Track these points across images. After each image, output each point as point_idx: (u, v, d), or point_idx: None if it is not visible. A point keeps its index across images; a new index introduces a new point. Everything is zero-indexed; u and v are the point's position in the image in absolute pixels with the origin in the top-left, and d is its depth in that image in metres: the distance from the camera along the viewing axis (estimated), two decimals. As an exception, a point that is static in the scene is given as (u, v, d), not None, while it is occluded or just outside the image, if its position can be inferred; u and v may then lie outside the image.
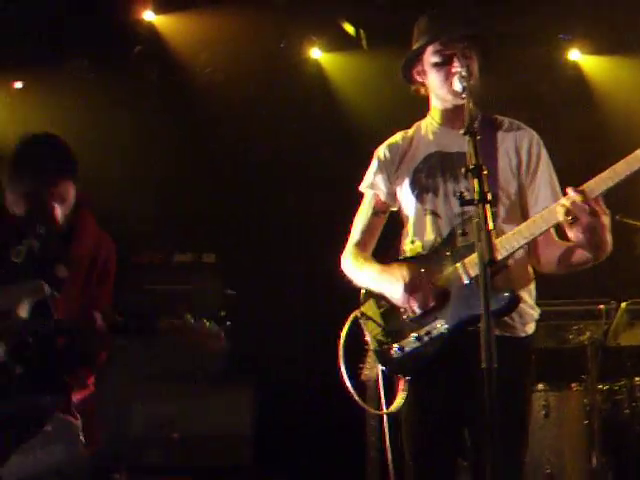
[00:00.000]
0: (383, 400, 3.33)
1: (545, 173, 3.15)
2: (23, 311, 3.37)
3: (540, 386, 4.90)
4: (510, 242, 2.91)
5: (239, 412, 5.59)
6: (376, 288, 3.15)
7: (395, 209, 3.34)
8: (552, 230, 3.02)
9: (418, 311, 3.00)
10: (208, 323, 3.47)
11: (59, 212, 3.39)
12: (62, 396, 3.52)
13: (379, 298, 3.16)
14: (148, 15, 6.30)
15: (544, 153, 3.18)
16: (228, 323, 5.65)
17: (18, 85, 6.52)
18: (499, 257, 2.79)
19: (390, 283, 3.05)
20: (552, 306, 5.08)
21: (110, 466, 5.06)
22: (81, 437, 3.55)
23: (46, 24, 5.95)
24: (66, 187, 3.39)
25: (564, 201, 2.80)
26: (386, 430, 3.66)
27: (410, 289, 2.99)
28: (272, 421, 5.77)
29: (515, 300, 2.91)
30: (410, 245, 3.19)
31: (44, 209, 3.39)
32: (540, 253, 3.12)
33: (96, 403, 3.69)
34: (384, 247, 3.39)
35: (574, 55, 6.48)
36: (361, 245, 3.31)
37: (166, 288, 4.99)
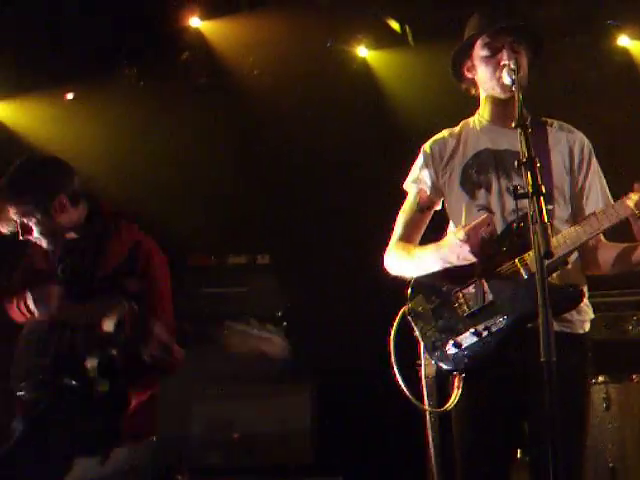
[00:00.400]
0: (432, 397, 3.31)
1: (596, 176, 3.17)
2: (108, 326, 3.53)
3: (600, 378, 4.83)
4: (571, 238, 2.91)
5: (298, 412, 5.61)
6: (435, 263, 3.07)
7: (439, 207, 3.32)
8: (601, 234, 3.02)
9: (489, 299, 2.94)
10: (271, 328, 3.51)
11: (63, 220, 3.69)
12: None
13: (429, 293, 3.12)
14: (194, 22, 6.34)
15: (594, 156, 3.20)
16: (285, 323, 5.74)
17: (70, 96, 6.63)
18: (559, 253, 2.79)
19: (450, 245, 2.97)
20: (611, 297, 5.02)
21: (172, 467, 5.13)
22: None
23: (94, 35, 6.04)
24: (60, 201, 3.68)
25: (634, 195, 2.81)
26: (428, 428, 3.63)
27: (474, 235, 2.91)
28: (331, 420, 5.79)
29: (580, 295, 2.92)
30: None
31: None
32: (594, 256, 3.12)
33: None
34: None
35: (623, 41, 6.37)
36: (405, 239, 3.26)
37: (222, 291, 5.03)
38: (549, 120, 3.25)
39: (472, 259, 2.95)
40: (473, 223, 2.93)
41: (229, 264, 6.14)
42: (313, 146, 6.43)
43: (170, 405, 5.00)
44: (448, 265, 3.04)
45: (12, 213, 3.70)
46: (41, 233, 3.74)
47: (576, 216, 3.13)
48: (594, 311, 3.21)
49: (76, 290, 3.67)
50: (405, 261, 3.20)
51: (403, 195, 3.41)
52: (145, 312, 3.57)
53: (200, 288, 5.86)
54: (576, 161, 3.16)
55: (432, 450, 4.15)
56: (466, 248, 2.91)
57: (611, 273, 3.13)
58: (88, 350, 3.53)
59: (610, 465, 4.70)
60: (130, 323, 3.53)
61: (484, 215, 2.97)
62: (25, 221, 3.70)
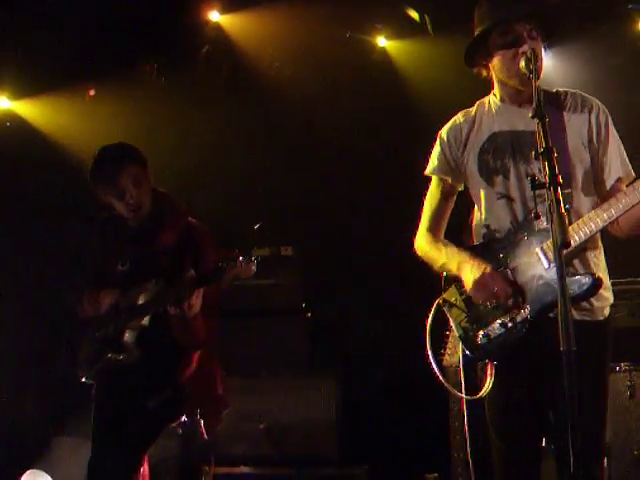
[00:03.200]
0: (464, 385, 3.34)
1: (614, 143, 3.15)
2: (142, 299, 3.94)
3: (624, 366, 4.82)
4: (587, 226, 2.91)
5: (324, 402, 5.63)
6: (458, 273, 3.17)
7: (462, 189, 3.34)
8: None
9: (488, 305, 3.05)
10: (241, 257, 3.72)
11: (132, 193, 3.94)
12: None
13: (460, 284, 3.18)
14: (214, 16, 6.38)
15: (610, 121, 3.17)
16: (309, 314, 5.77)
17: (92, 93, 6.68)
18: (576, 241, 2.81)
19: (467, 277, 3.10)
20: (635, 284, 5.00)
21: (199, 457, 5.18)
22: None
23: (114, 31, 6.08)
24: (132, 170, 3.94)
25: None
26: (465, 416, 3.67)
27: (480, 287, 3.04)
28: (356, 410, 5.82)
29: (597, 283, 2.93)
30: (484, 230, 3.19)
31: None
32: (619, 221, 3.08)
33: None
34: (455, 223, 3.42)
35: (645, 25, 6.30)
36: (433, 229, 3.34)
37: (246, 283, 5.07)
38: (560, 91, 3.22)
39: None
40: (487, 281, 3.03)
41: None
42: (335, 137, 6.45)
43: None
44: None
45: (125, 180, 3.92)
46: (141, 200, 3.98)
47: (599, 188, 3.12)
48: (618, 298, 3.21)
49: (136, 274, 3.98)
50: (433, 258, 3.29)
51: (426, 181, 3.44)
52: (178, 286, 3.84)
53: (225, 281, 5.88)
54: (594, 133, 3.13)
55: (467, 436, 4.17)
56: (474, 293, 3.07)
57: (633, 232, 3.10)
58: (125, 325, 3.94)
59: (635, 452, 4.68)
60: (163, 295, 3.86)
61: (501, 280, 3.04)
62: (132, 188, 3.93)
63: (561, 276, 2.38)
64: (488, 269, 3.04)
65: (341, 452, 5.55)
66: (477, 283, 3.04)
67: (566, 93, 3.22)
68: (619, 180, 3.12)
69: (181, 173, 6.31)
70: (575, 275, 2.93)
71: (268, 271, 5.94)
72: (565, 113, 3.15)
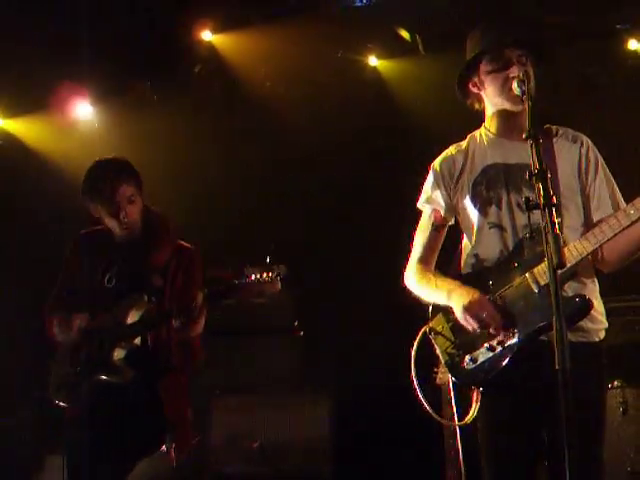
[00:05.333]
0: (455, 411, 3.36)
1: (604, 180, 3.18)
2: (131, 318, 3.86)
3: (616, 383, 4.84)
4: (577, 250, 2.94)
5: (317, 421, 5.63)
6: (445, 304, 3.19)
7: (452, 223, 3.36)
8: None
9: (478, 330, 3.05)
10: (265, 273, 3.82)
11: (126, 212, 3.91)
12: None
13: (448, 311, 3.18)
14: (206, 35, 6.41)
15: (600, 157, 3.21)
16: (302, 333, 5.77)
17: (84, 111, 6.68)
18: (569, 264, 2.82)
19: (457, 305, 3.10)
20: (626, 302, 5.03)
21: (192, 476, 5.17)
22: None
23: (107, 51, 6.11)
24: (127, 189, 3.92)
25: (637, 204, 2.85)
26: (459, 440, 3.68)
27: (470, 312, 3.04)
28: (350, 430, 5.81)
29: (587, 304, 2.93)
30: (474, 259, 3.21)
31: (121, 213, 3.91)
32: (605, 251, 3.10)
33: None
34: (442, 258, 3.41)
35: (633, 44, 6.36)
36: (424, 261, 3.34)
37: (239, 302, 5.08)
38: (553, 127, 3.26)
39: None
40: (477, 308, 3.04)
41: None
42: (327, 156, 6.46)
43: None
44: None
45: (119, 198, 3.90)
46: (134, 219, 3.96)
47: (588, 221, 3.15)
48: (609, 315, 3.23)
49: (123, 290, 3.92)
50: (423, 289, 3.29)
51: (416, 207, 3.43)
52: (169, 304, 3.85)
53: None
54: (583, 167, 3.17)
55: (450, 464, 4.21)
56: (465, 319, 3.06)
57: (616, 262, 3.12)
58: (114, 344, 3.84)
59: (628, 469, 4.70)
60: (154, 314, 3.85)
61: (492, 310, 3.05)
62: (126, 206, 3.91)
63: (556, 295, 2.39)
64: (477, 295, 3.05)
65: (335, 470, 5.54)
66: (466, 309, 3.04)
67: (557, 128, 3.26)
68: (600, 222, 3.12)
69: (171, 193, 6.31)
70: (566, 297, 2.92)
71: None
72: (556, 145, 3.18)
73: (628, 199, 3.13)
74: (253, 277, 3.77)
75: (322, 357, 6.10)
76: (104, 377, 3.82)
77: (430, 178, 3.36)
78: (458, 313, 3.09)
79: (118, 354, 3.83)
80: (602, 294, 3.20)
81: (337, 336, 6.25)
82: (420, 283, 3.29)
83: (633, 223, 2.89)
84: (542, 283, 2.95)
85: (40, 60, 5.97)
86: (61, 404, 3.96)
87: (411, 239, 3.42)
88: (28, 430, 5.98)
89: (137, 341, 3.86)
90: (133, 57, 6.27)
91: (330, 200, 6.48)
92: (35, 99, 6.45)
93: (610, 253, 3.09)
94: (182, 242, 4.13)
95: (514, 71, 3.07)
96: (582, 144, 3.21)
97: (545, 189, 2.48)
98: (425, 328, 3.29)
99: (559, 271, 2.40)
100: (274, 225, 6.44)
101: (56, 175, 6.40)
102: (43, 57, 5.93)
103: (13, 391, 6.09)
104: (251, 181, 6.60)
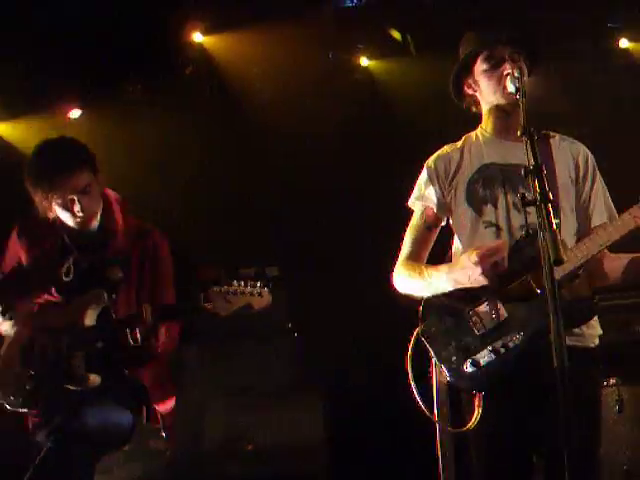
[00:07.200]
0: (445, 407, 3.32)
1: (600, 188, 3.20)
2: (89, 319, 3.50)
3: (612, 381, 4.83)
4: (580, 252, 2.93)
5: (311, 422, 5.62)
6: (446, 284, 3.09)
7: (444, 223, 3.32)
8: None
9: (504, 316, 2.96)
10: (253, 283, 3.52)
11: (81, 205, 3.47)
12: (141, 408, 3.64)
13: (442, 314, 3.12)
14: (197, 37, 6.40)
15: (596, 168, 3.23)
16: (295, 334, 5.75)
17: (74, 114, 6.66)
18: (569, 267, 2.82)
19: (463, 267, 3.00)
20: (620, 299, 5.04)
21: (187, 477, 5.16)
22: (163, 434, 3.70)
23: (97, 52, 6.08)
24: (81, 178, 3.47)
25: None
26: (439, 441, 3.63)
27: (487, 259, 2.93)
28: (343, 430, 5.80)
29: (591, 309, 2.97)
30: None
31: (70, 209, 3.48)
32: (600, 267, 3.12)
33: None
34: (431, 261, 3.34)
35: (625, 43, 6.37)
36: (413, 258, 3.26)
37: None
38: (551, 133, 3.27)
39: (484, 281, 2.97)
40: (487, 246, 2.97)
41: (238, 276, 6.16)
42: (318, 158, 6.45)
43: (184, 417, 5.03)
44: (459, 286, 3.06)
45: (71, 190, 3.46)
46: (90, 211, 3.54)
47: (582, 228, 3.15)
48: (605, 314, 3.23)
49: (81, 287, 3.57)
50: (415, 280, 3.21)
51: (407, 208, 3.39)
52: (134, 298, 3.54)
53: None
54: (581, 173, 3.19)
55: (444, 464, 4.18)
56: (478, 270, 2.94)
57: (617, 283, 3.14)
58: (73, 348, 3.45)
59: (625, 468, 4.68)
60: (116, 312, 3.50)
61: (500, 241, 3.00)
62: (80, 198, 3.48)
63: (553, 293, 2.37)
64: (476, 250, 2.96)
65: (329, 471, 5.53)
66: (480, 260, 2.91)
67: (555, 135, 3.27)
68: (603, 224, 3.14)
69: (163, 192, 6.30)
70: (568, 301, 2.90)
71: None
72: (554, 150, 3.19)
73: (619, 197, 3.14)
74: (241, 288, 3.49)
75: (316, 358, 6.08)
76: (69, 386, 3.43)
77: (423, 175, 3.32)
78: (468, 272, 2.96)
79: (78, 360, 3.43)
80: (597, 292, 3.19)
81: (331, 337, 6.24)
82: (411, 275, 3.20)
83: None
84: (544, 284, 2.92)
85: (29, 62, 5.94)
86: (20, 410, 3.55)
87: (402, 236, 3.38)
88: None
89: (98, 345, 3.46)
90: (124, 58, 6.23)
91: (323, 200, 6.47)
92: (25, 102, 6.42)
93: (612, 271, 3.12)
94: (143, 223, 3.76)
95: (507, 68, 3.08)
96: (580, 152, 3.24)
97: (541, 185, 2.47)
98: (418, 330, 3.19)
99: (561, 274, 2.39)
100: (267, 226, 6.44)
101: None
102: (31, 59, 5.90)
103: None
104: (243, 181, 6.58)
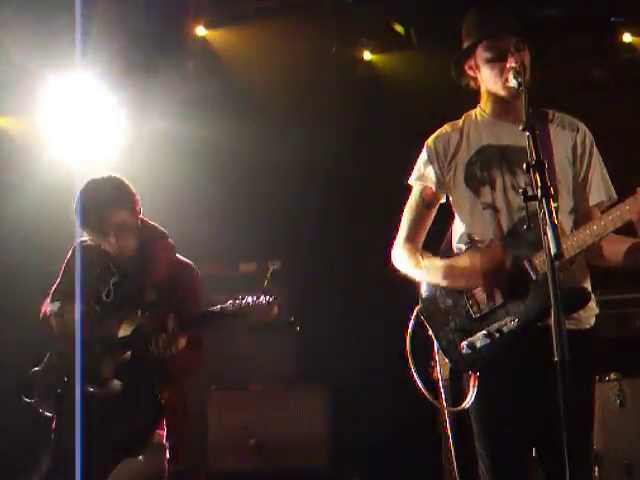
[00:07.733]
0: (448, 397, 3.32)
1: (597, 166, 3.19)
2: (123, 332, 3.85)
3: (613, 375, 4.84)
4: (577, 241, 2.93)
5: (313, 415, 5.64)
6: (442, 281, 3.13)
7: (444, 201, 3.32)
8: None
9: (500, 301, 3.01)
10: (262, 298, 3.77)
11: (117, 239, 3.86)
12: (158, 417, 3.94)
13: (441, 294, 3.16)
14: (200, 31, 6.41)
15: (594, 146, 3.21)
16: (298, 328, 5.76)
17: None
18: (568, 255, 2.82)
19: (462, 269, 3.05)
20: (620, 294, 5.04)
21: (189, 473, 5.16)
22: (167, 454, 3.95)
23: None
24: (118, 216, 3.85)
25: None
26: (449, 430, 3.66)
27: (490, 275, 2.99)
28: (346, 423, 5.81)
29: (587, 296, 2.96)
30: (466, 238, 3.17)
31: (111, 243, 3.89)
32: (598, 248, 3.11)
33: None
34: (430, 240, 3.36)
35: (628, 37, 6.36)
36: (412, 239, 3.27)
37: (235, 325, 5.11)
38: (549, 112, 3.25)
39: (479, 286, 3.03)
40: (487, 255, 3.01)
41: (240, 271, 6.19)
42: (320, 151, 6.45)
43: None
44: (454, 286, 3.11)
45: (110, 227, 3.84)
46: (125, 245, 3.90)
47: (579, 207, 3.16)
48: (604, 309, 3.23)
49: (120, 305, 3.90)
50: (412, 269, 3.23)
51: (409, 192, 3.40)
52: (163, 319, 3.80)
53: (213, 296, 5.88)
54: (578, 152, 3.17)
55: (452, 449, 4.18)
56: (476, 275, 3.01)
57: (615, 266, 3.14)
58: (103, 354, 3.81)
59: (625, 462, 4.70)
60: (147, 330, 3.79)
61: (495, 249, 3.02)
62: (117, 234, 3.85)
63: (555, 288, 2.38)
64: (486, 255, 3.01)
65: (331, 466, 5.54)
66: (488, 270, 2.98)
67: (553, 113, 3.25)
68: (601, 203, 3.15)
69: (165, 189, 6.29)
70: (565, 287, 2.92)
71: (256, 286, 5.95)
72: (552, 129, 3.18)
73: (621, 193, 3.14)
74: (250, 300, 3.75)
75: (319, 354, 6.10)
76: (90, 389, 3.80)
77: (423, 155, 3.31)
78: (466, 275, 3.03)
79: (106, 366, 3.80)
80: (598, 286, 3.20)
81: (334, 332, 6.25)
82: (409, 264, 3.23)
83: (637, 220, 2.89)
84: (540, 270, 2.93)
85: (30, 57, 5.94)
86: (47, 413, 3.96)
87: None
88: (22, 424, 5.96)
89: (127, 355, 3.82)
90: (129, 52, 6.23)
91: (326, 195, 6.48)
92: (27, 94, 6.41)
93: (613, 254, 3.10)
94: (180, 257, 4.08)
95: (510, 62, 3.06)
96: (578, 130, 3.21)
97: (543, 181, 2.48)
98: (418, 308, 3.23)
99: (557, 262, 2.40)
100: (270, 221, 6.44)
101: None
102: (33, 54, 5.89)
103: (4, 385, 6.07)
104: (245, 178, 6.58)
